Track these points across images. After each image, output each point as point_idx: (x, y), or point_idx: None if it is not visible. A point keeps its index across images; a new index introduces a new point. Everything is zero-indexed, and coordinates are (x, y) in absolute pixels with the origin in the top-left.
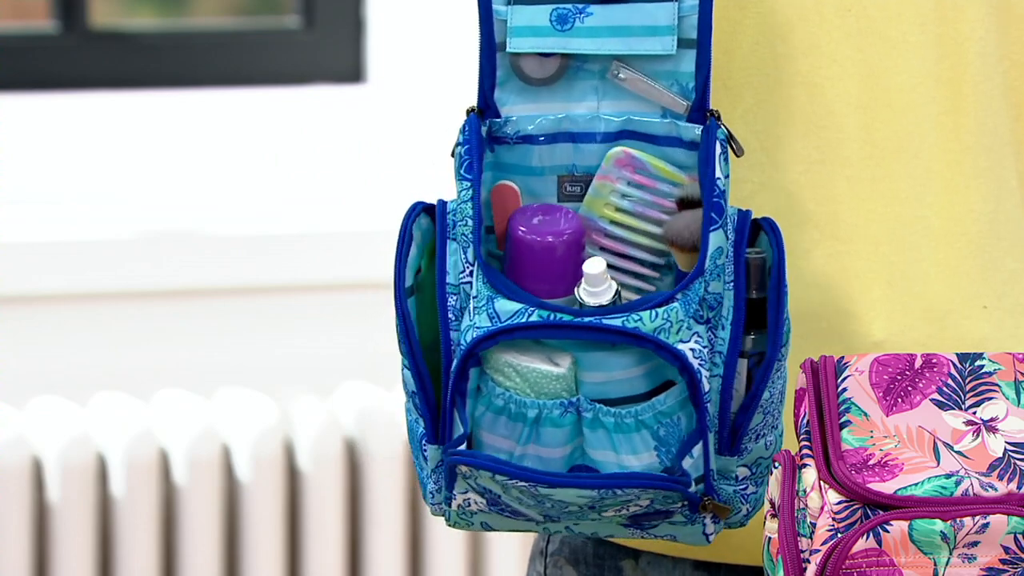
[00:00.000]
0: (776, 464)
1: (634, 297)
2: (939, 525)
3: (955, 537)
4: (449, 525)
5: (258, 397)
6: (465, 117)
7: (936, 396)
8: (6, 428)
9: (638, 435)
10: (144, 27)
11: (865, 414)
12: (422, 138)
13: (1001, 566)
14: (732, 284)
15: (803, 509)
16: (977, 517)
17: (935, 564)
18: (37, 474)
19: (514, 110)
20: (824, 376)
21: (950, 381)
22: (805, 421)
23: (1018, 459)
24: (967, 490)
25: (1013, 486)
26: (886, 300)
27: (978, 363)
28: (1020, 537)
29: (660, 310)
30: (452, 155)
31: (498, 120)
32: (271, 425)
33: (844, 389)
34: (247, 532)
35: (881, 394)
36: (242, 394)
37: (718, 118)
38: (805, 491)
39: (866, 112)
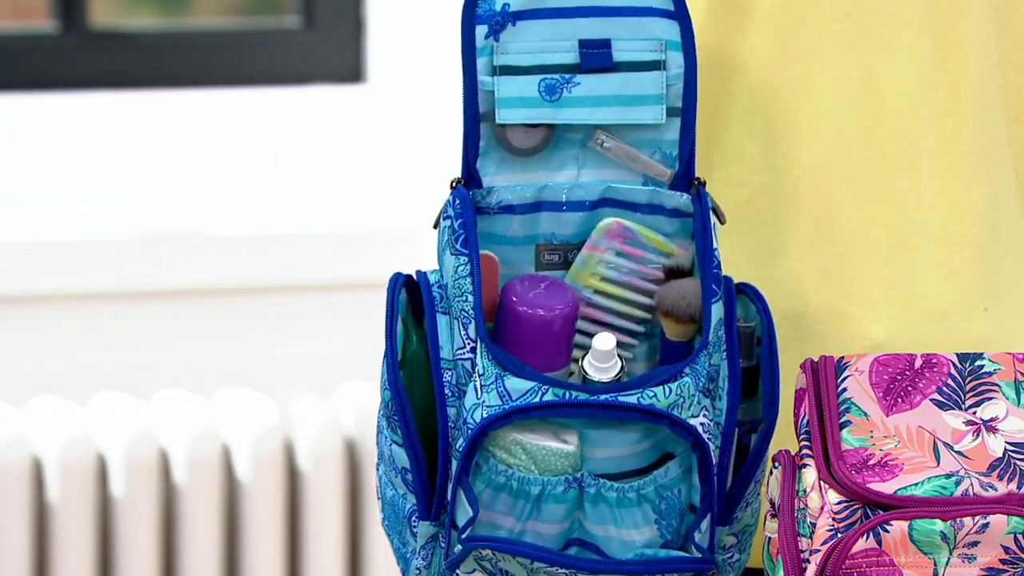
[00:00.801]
0: (776, 464)
1: None
2: (939, 525)
3: (955, 537)
4: None
5: (258, 397)
6: (451, 189)
7: (936, 396)
8: (6, 428)
9: (639, 509)
10: (144, 27)
11: (865, 414)
12: (422, 138)
13: (1001, 566)
14: (726, 354)
15: (803, 509)
16: (977, 517)
17: (935, 564)
18: (37, 474)
19: (495, 180)
20: (824, 376)
21: (950, 381)
22: (805, 421)
23: (1018, 459)
24: (967, 490)
25: (1013, 486)
26: (886, 302)
27: (978, 363)
28: (1020, 537)
29: (673, 386)
30: (435, 227)
31: (480, 191)
32: (271, 425)
33: (844, 389)
34: (247, 532)
35: (881, 394)
36: (242, 394)
37: (704, 185)
38: (805, 491)
39: (865, 116)
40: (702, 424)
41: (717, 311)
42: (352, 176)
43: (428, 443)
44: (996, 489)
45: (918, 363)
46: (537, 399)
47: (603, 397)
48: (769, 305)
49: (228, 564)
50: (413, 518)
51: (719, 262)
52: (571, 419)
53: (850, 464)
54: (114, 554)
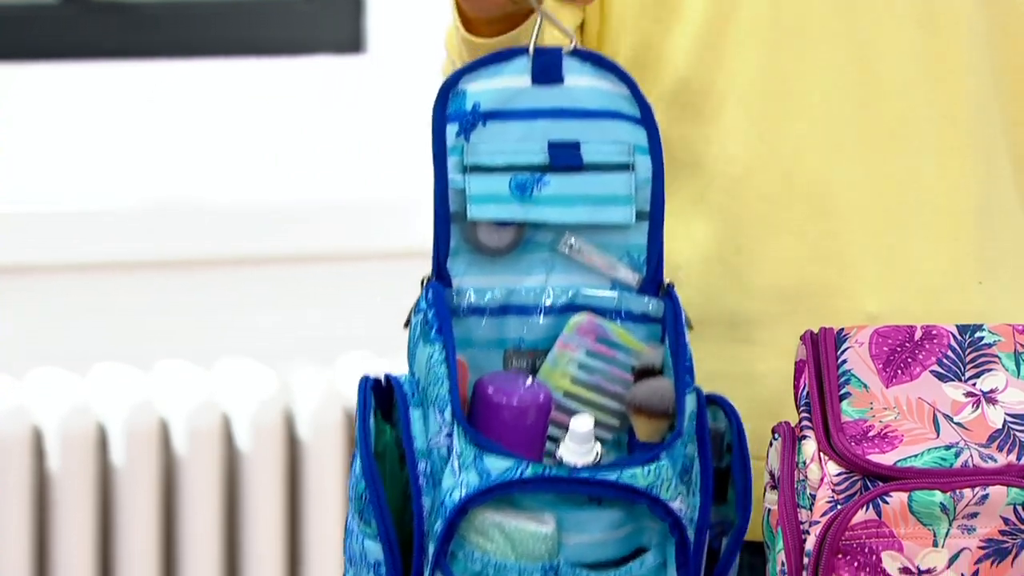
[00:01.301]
0: (776, 436)
1: None
2: (938, 496)
3: (954, 508)
4: None
5: (258, 367)
6: (421, 287)
7: (936, 368)
8: (7, 398)
9: None
10: None
11: (865, 386)
12: (422, 108)
13: (1000, 537)
14: (698, 454)
15: (803, 481)
16: (976, 488)
17: (935, 535)
18: (37, 444)
19: (465, 281)
20: (824, 348)
21: (950, 353)
22: (805, 393)
23: (1018, 430)
24: (967, 461)
25: (1013, 457)
26: (879, 277)
27: (978, 335)
28: (1020, 508)
29: (651, 467)
30: (406, 326)
31: (450, 291)
32: (271, 395)
33: (844, 361)
34: (247, 501)
35: (881, 366)
36: (242, 364)
37: (673, 287)
38: (805, 463)
39: (859, 92)
40: (680, 510)
41: (691, 402)
42: (352, 147)
43: (398, 541)
44: (996, 460)
45: (918, 335)
46: (517, 475)
47: (583, 474)
48: (740, 416)
49: (228, 533)
50: None
51: (691, 356)
52: (549, 499)
53: (850, 436)
54: (114, 523)
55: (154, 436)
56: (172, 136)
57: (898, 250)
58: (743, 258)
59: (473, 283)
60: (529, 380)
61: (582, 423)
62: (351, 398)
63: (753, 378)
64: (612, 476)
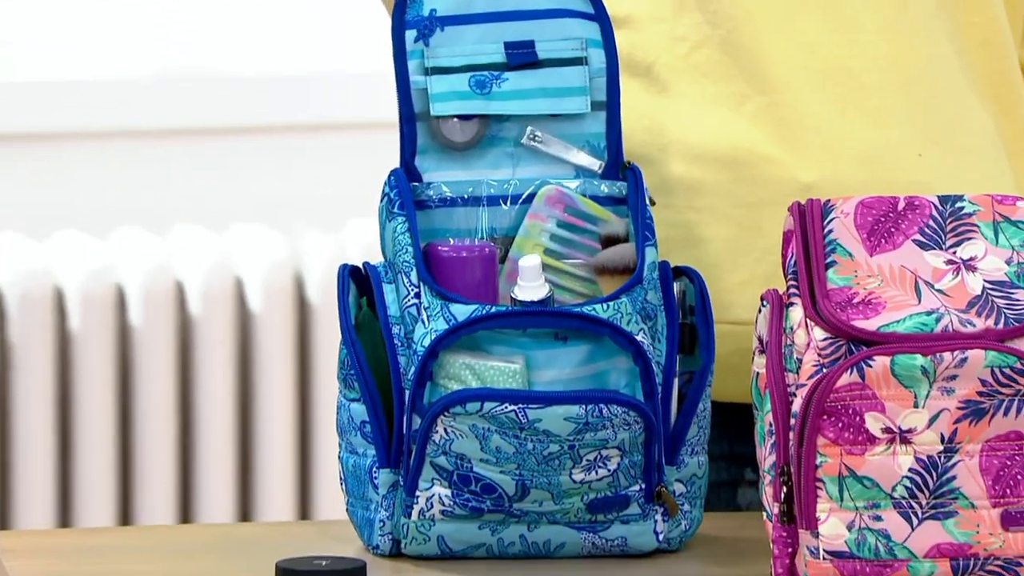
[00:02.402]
0: (764, 303)
1: None
2: (919, 360)
3: (935, 371)
4: (406, 551)
5: (269, 232)
6: (387, 177)
7: (918, 237)
8: (31, 260)
9: None
10: None
11: (850, 254)
12: None
13: (978, 398)
14: (663, 307)
15: (790, 346)
16: (956, 352)
17: (915, 396)
18: (59, 304)
19: (434, 176)
20: (811, 218)
21: (931, 222)
22: (792, 261)
23: (996, 296)
24: (947, 326)
25: (990, 322)
26: (815, 147)
27: (958, 205)
28: (996, 371)
29: (611, 303)
30: (379, 215)
31: (419, 184)
32: (282, 258)
33: (830, 231)
34: (259, 359)
35: (865, 235)
36: (254, 229)
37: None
38: (792, 328)
39: None
40: (642, 342)
41: (651, 254)
42: (362, 15)
43: (383, 406)
44: (974, 325)
45: (901, 205)
46: (482, 314)
47: (544, 308)
48: (704, 281)
49: (241, 389)
50: (374, 469)
51: (651, 216)
52: (515, 338)
53: (835, 303)
54: (133, 380)
55: (170, 297)
56: (186, 4)
57: (835, 121)
58: (683, 129)
59: (443, 178)
60: (472, 241)
61: (530, 259)
62: (357, 262)
63: (694, 243)
64: (575, 309)
